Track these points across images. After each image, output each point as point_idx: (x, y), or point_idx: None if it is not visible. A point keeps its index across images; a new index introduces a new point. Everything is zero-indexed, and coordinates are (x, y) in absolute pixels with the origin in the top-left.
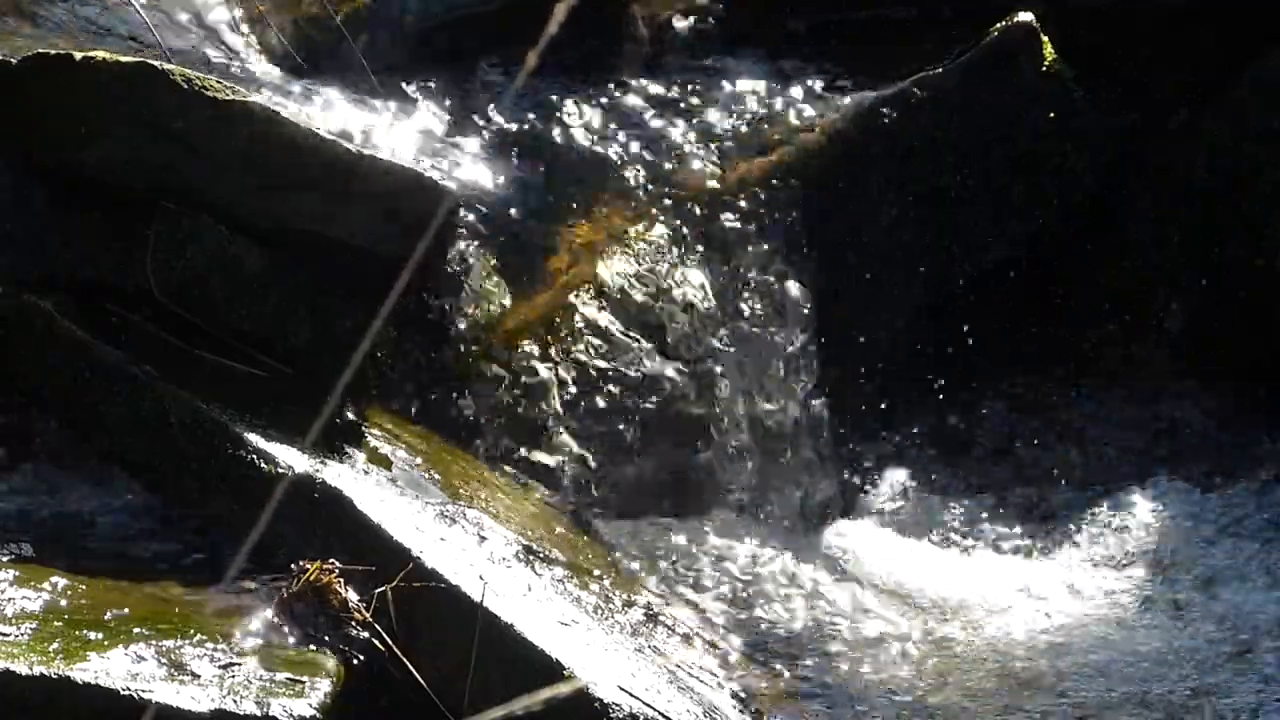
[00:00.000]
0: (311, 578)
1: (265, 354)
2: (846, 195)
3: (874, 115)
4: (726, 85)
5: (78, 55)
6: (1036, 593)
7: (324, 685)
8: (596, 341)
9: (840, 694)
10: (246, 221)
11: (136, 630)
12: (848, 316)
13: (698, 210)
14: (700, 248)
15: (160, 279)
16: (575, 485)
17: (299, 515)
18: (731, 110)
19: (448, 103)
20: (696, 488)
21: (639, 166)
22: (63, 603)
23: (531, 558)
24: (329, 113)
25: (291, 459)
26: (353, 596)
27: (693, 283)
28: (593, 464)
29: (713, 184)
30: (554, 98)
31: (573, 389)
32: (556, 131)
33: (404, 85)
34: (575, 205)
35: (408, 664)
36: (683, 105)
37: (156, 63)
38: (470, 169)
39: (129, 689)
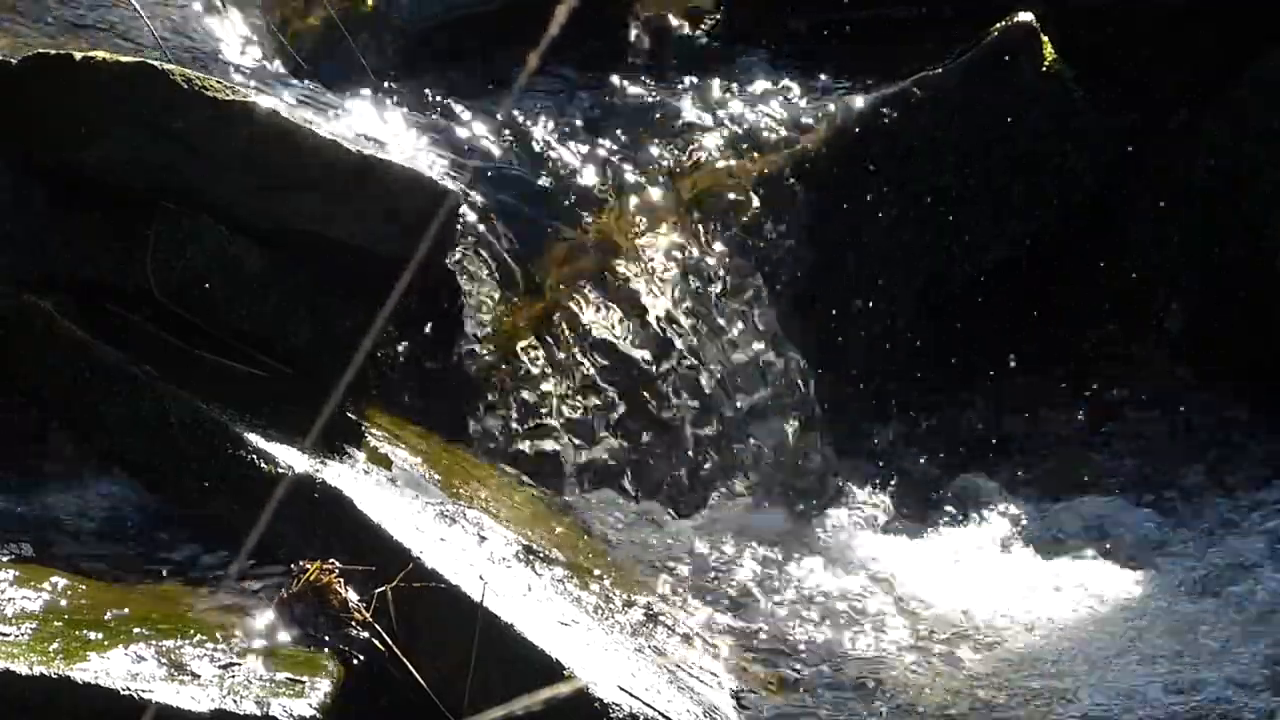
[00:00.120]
0: (311, 578)
1: (265, 354)
2: (846, 195)
3: (874, 115)
4: (727, 85)
5: (78, 55)
6: (1037, 591)
7: (324, 685)
8: (597, 342)
9: (841, 693)
10: (246, 221)
11: (136, 630)
12: (848, 316)
13: (698, 210)
14: (700, 248)
15: (160, 279)
16: (575, 485)
17: (299, 515)
18: (732, 110)
19: (448, 103)
20: (697, 487)
21: (639, 167)
22: (63, 603)
23: (531, 558)
24: (329, 112)
25: (291, 459)
26: (353, 596)
27: (693, 282)
28: (593, 464)
29: (713, 184)
30: (555, 98)
31: (573, 389)
32: (557, 131)
33: (404, 85)
34: (576, 206)
35: (408, 664)
36: (683, 106)
37: (156, 63)
38: (470, 169)
39: (129, 689)
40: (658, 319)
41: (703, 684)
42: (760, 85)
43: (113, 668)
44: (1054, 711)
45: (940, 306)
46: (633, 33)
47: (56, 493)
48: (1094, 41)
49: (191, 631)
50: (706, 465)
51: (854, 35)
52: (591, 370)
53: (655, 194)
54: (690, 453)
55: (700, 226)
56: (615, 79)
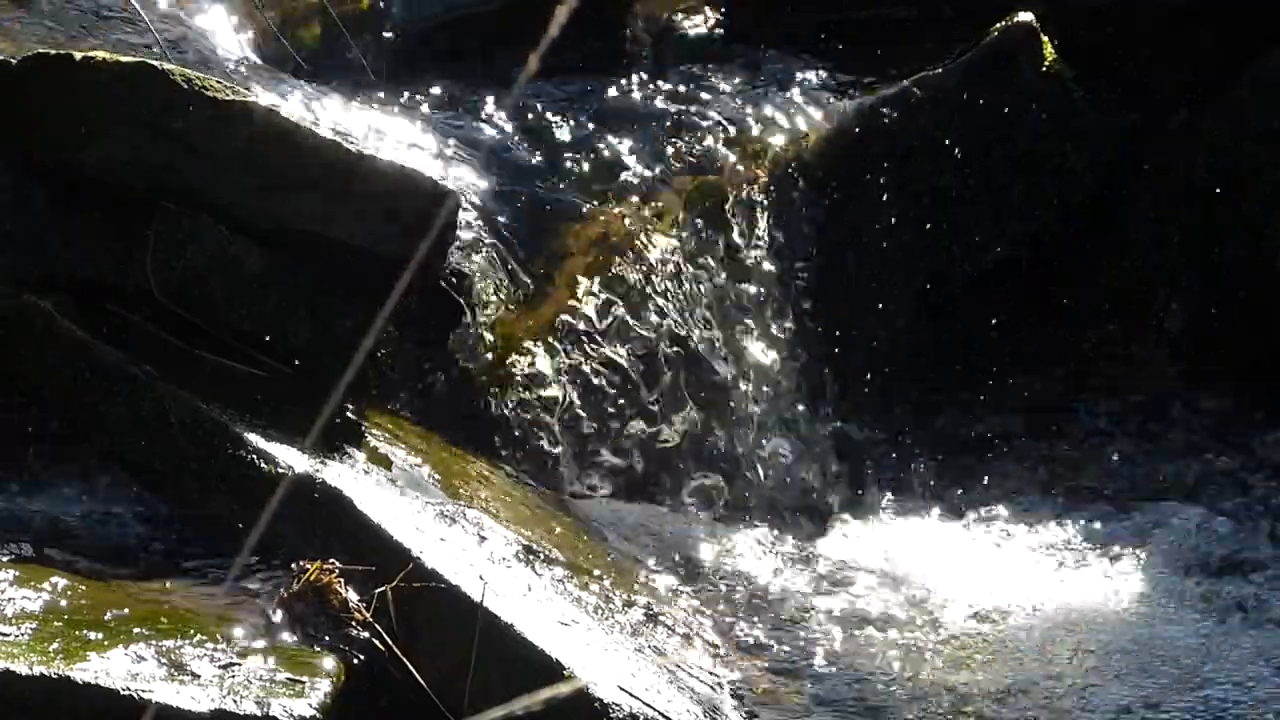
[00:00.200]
0: (311, 578)
1: (265, 354)
2: (846, 195)
3: (874, 115)
4: (727, 85)
5: (78, 55)
6: (1038, 592)
7: (324, 685)
8: (597, 341)
9: (842, 693)
10: (246, 221)
11: (136, 630)
12: (848, 316)
13: (699, 210)
14: (701, 248)
15: (160, 279)
16: (575, 485)
17: (299, 515)
18: (732, 110)
19: (448, 103)
20: (697, 488)
21: (640, 167)
22: (63, 603)
23: (531, 558)
24: (329, 113)
25: (291, 459)
26: (353, 596)
27: (694, 282)
28: (593, 464)
29: (713, 184)
30: (555, 98)
31: (573, 389)
32: (557, 132)
33: (404, 85)
34: (576, 206)
35: (408, 664)
36: (683, 106)
37: (156, 63)
38: (471, 169)
39: (129, 689)
40: (658, 319)
41: (703, 684)
42: (760, 85)
43: (113, 668)
44: (1055, 712)
45: (940, 306)
46: (633, 32)
47: (56, 493)
48: (1094, 41)
49: (191, 631)
50: (707, 465)
51: (854, 35)
52: (592, 370)
53: (656, 194)
54: (690, 452)
55: (700, 227)
56: (615, 79)
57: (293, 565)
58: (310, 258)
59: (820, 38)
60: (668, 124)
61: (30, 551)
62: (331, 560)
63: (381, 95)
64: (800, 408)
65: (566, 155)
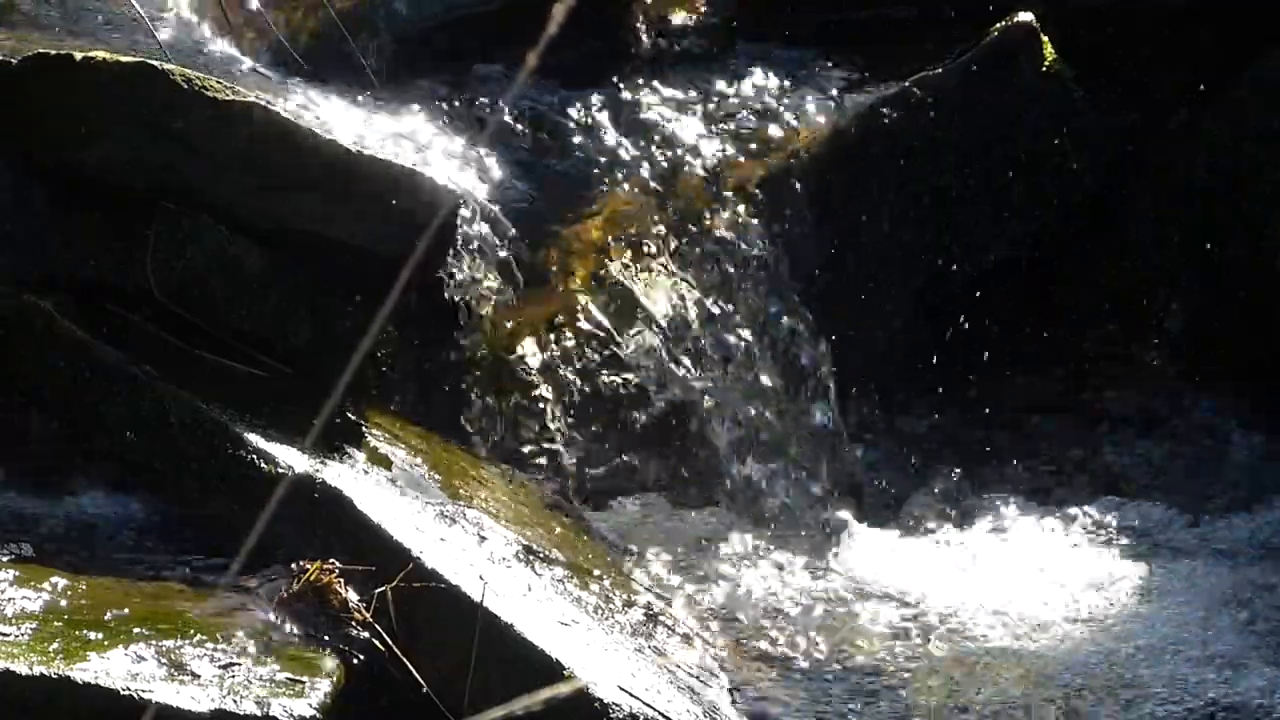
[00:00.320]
0: (311, 578)
1: (265, 354)
2: (846, 195)
3: (874, 115)
4: (727, 85)
5: (78, 55)
6: (1038, 592)
7: (324, 685)
8: (597, 341)
9: (841, 694)
10: (246, 221)
11: (136, 630)
12: (847, 316)
13: (698, 210)
14: (701, 248)
15: (160, 279)
16: (575, 485)
17: (299, 515)
18: (732, 110)
19: (448, 103)
20: (697, 487)
21: (639, 167)
22: (63, 603)
23: (531, 558)
24: (329, 113)
25: (291, 459)
26: (353, 596)
27: (693, 282)
28: (593, 464)
29: (713, 184)
30: (554, 98)
31: (573, 389)
32: (557, 132)
33: (404, 85)
34: (575, 205)
35: (408, 664)
36: (683, 105)
37: (156, 63)
38: (470, 169)
39: (129, 689)
40: (658, 319)
41: (703, 684)
42: (760, 85)
43: (113, 668)
44: (1057, 712)
45: (940, 306)
46: (632, 32)
47: (57, 493)
48: (1094, 41)
49: (191, 631)
50: (707, 465)
51: (854, 35)
52: (592, 370)
53: (656, 193)
54: (691, 452)
55: (700, 227)
56: (615, 79)
57: (293, 565)
58: (310, 258)
59: (820, 38)
60: (667, 124)
61: (30, 551)
62: (331, 560)
63: (381, 95)
64: (800, 407)
65: (566, 155)
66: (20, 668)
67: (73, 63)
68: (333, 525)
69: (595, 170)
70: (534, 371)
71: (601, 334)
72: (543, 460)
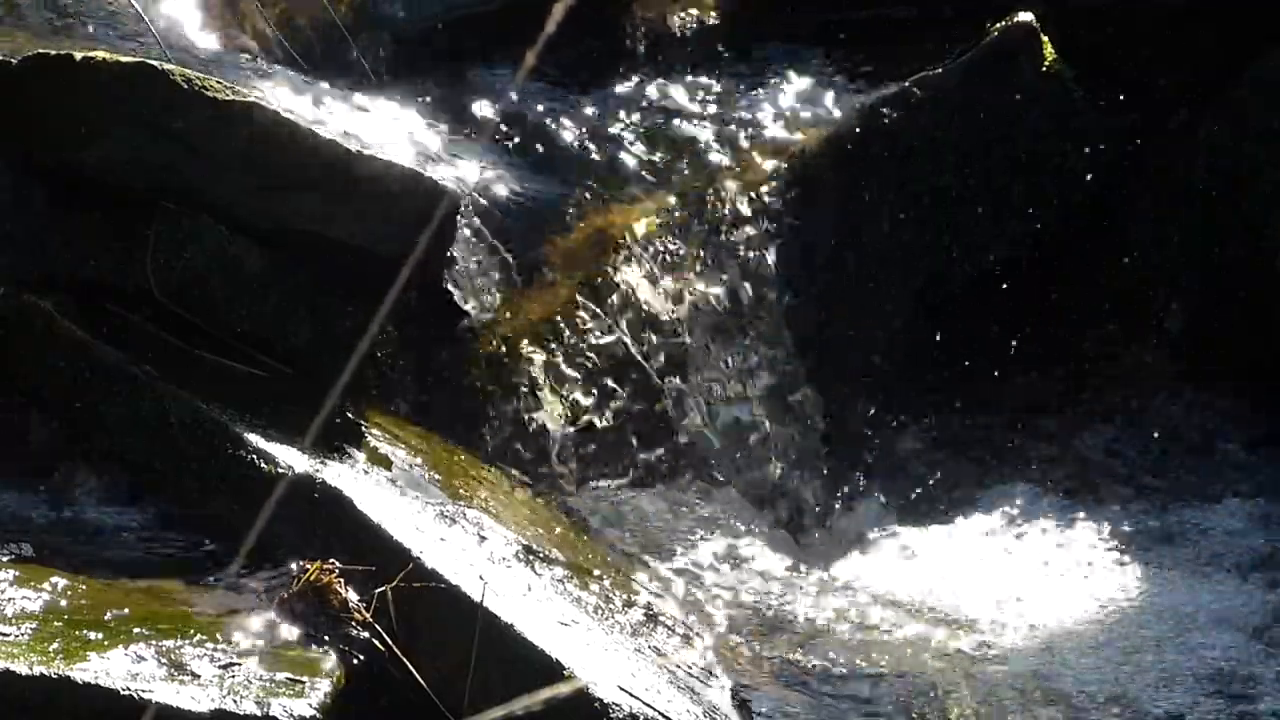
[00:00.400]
0: (311, 578)
1: (265, 354)
2: (846, 195)
3: (874, 115)
4: (726, 85)
5: (78, 55)
6: (1038, 591)
7: (324, 685)
8: (596, 341)
9: (843, 694)
10: (246, 221)
11: (136, 630)
12: (847, 316)
13: (698, 210)
14: (700, 247)
15: (160, 279)
16: (575, 485)
17: (299, 515)
18: (731, 110)
19: (448, 102)
20: (697, 487)
21: (639, 166)
22: (63, 603)
23: (531, 558)
24: (329, 113)
25: (291, 459)
26: (353, 596)
27: (693, 282)
28: (593, 464)
29: (713, 183)
30: (554, 97)
31: (573, 388)
32: (556, 131)
33: (404, 85)
34: (575, 205)
35: (408, 664)
36: (682, 105)
37: (156, 63)
38: (470, 169)
39: (129, 689)
40: (658, 319)
41: (703, 684)
42: (760, 85)
43: (113, 668)
44: (1056, 712)
45: (940, 306)
46: (632, 32)
47: (57, 493)
48: (1094, 41)
49: (191, 631)
50: (707, 465)
51: (854, 35)
52: (592, 369)
53: (655, 193)
54: (690, 452)
55: (700, 226)
56: (614, 79)
57: (293, 565)
58: (310, 258)
59: (820, 38)
60: (667, 124)
61: (30, 551)
62: (331, 560)
63: (381, 95)
64: (800, 407)
65: (566, 154)
66: (20, 668)
67: (73, 63)
68: (333, 525)
69: (595, 170)
70: (534, 371)
71: (601, 334)
72: (542, 460)
